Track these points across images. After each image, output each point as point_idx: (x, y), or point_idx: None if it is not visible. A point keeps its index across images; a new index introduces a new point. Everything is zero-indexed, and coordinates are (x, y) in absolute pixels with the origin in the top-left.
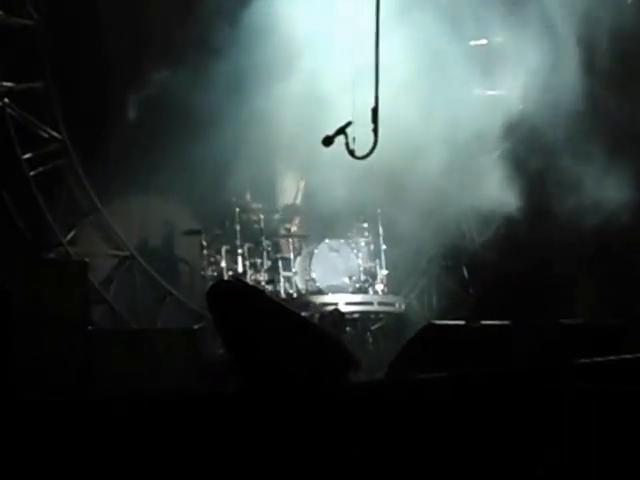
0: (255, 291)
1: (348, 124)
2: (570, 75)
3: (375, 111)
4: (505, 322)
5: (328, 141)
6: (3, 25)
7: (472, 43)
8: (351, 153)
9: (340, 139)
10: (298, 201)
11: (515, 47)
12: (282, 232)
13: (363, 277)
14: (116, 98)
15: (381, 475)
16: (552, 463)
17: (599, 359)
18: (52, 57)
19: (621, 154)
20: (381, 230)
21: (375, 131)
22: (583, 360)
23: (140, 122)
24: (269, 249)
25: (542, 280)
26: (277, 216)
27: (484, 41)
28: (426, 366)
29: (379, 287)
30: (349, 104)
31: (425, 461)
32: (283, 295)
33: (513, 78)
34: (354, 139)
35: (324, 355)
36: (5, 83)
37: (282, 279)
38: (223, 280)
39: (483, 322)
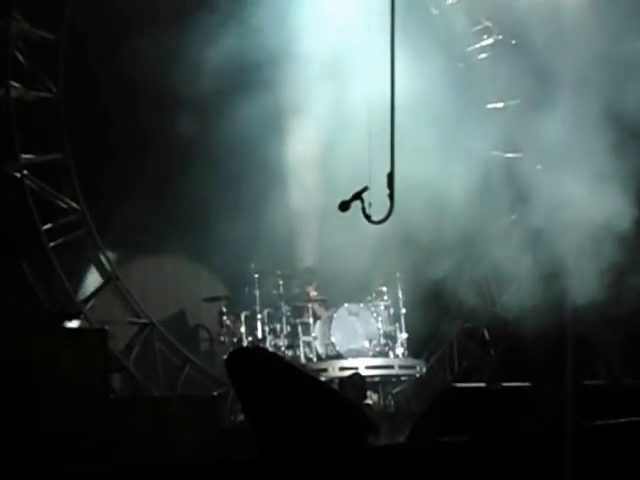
0: (274, 357)
1: (364, 189)
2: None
3: (391, 176)
4: (526, 384)
5: (344, 206)
6: (22, 99)
7: (489, 106)
8: (368, 218)
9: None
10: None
11: (532, 110)
12: (301, 297)
13: (383, 341)
14: (133, 165)
15: None
16: None
17: (622, 420)
18: (70, 128)
19: None
20: (400, 294)
21: (391, 197)
22: (606, 421)
23: (158, 189)
24: (288, 314)
25: (563, 340)
26: (296, 281)
27: (501, 104)
28: (447, 429)
29: (399, 350)
30: (365, 169)
31: None
32: (303, 360)
33: (530, 140)
34: (370, 204)
35: (343, 420)
36: (25, 155)
37: (302, 344)
38: (241, 347)
39: (504, 384)
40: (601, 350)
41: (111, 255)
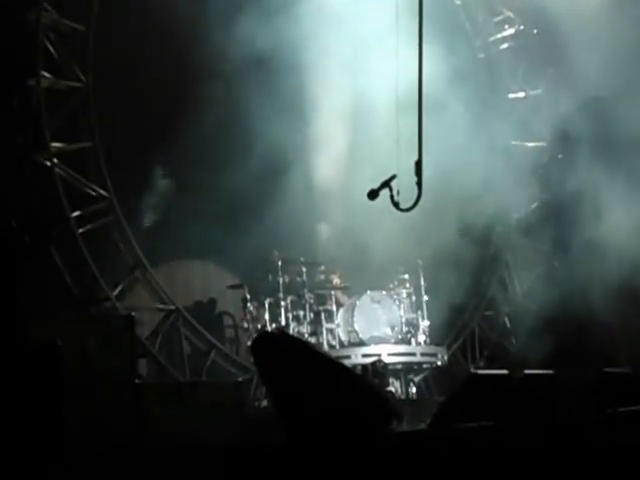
0: (299, 342)
1: (392, 177)
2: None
3: (419, 164)
4: (548, 371)
5: (373, 195)
6: (53, 88)
7: (510, 96)
8: (396, 206)
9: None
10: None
11: (552, 99)
12: (324, 284)
13: (405, 328)
14: (160, 153)
15: None
16: None
17: None
18: (99, 117)
19: None
20: (422, 281)
21: (419, 184)
22: (628, 409)
23: (182, 177)
24: (311, 301)
25: (585, 328)
26: (319, 269)
27: (522, 94)
28: (470, 416)
29: (421, 338)
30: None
31: None
32: (326, 347)
33: (552, 130)
34: (398, 192)
35: (367, 406)
36: (55, 144)
37: (325, 331)
38: (267, 332)
39: (526, 372)
40: (624, 338)
41: (138, 242)
